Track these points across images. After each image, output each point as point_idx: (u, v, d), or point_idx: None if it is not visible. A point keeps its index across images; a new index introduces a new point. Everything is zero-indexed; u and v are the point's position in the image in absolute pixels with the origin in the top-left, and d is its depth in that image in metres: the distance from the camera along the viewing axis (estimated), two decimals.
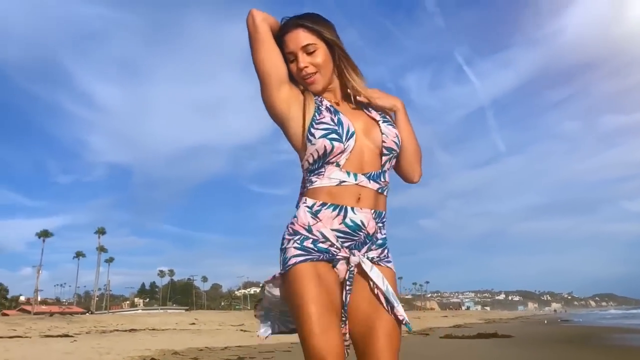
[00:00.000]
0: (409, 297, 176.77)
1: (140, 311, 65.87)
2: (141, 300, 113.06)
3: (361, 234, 1.71)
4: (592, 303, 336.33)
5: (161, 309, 79.43)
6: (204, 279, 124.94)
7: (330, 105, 1.78)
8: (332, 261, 1.68)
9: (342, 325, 1.65)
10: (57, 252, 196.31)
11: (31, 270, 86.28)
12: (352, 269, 1.70)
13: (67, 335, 16.37)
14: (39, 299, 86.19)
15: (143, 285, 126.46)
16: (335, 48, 1.78)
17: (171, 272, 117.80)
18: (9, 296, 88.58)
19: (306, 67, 1.74)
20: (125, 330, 19.07)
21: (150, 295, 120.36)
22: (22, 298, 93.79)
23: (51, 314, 31.95)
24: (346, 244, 1.70)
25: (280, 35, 1.76)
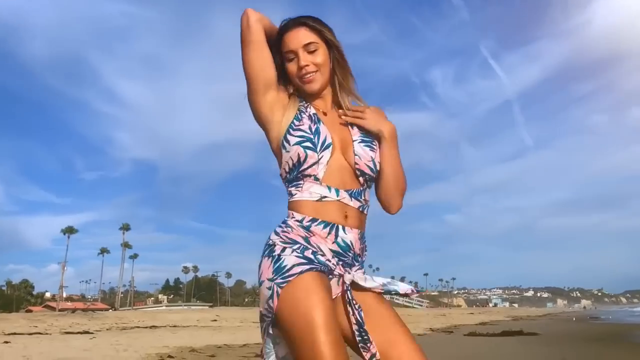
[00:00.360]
0: (435, 293, 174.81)
1: (163, 307, 66.38)
2: (165, 297, 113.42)
3: (350, 254, 1.67)
4: (623, 300, 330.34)
5: (185, 305, 79.87)
6: (228, 275, 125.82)
7: (314, 113, 1.75)
8: (329, 277, 1.62)
9: (369, 345, 1.57)
10: (83, 249, 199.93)
11: (57, 267, 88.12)
12: (348, 287, 1.63)
13: (87, 332, 16.36)
14: (64, 295, 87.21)
15: (167, 281, 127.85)
16: (333, 50, 1.76)
17: (195, 269, 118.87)
18: (34, 292, 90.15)
19: (307, 65, 1.71)
20: (146, 327, 19.08)
21: (174, 291, 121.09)
22: (47, 294, 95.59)
23: (73, 311, 32.28)
24: (340, 263, 1.65)
25: (280, 34, 1.75)
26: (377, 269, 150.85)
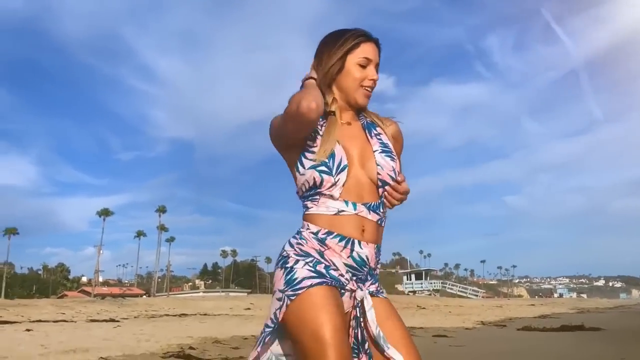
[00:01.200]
0: (494, 282, 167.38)
1: (200, 294, 66.66)
2: (202, 282, 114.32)
3: (365, 269, 1.69)
4: None
5: (222, 291, 79.98)
6: (268, 260, 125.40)
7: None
8: (341, 292, 1.63)
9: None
10: (119, 231, 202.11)
11: (93, 250, 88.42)
12: (358, 303, 1.65)
13: (113, 320, 16.09)
14: (100, 279, 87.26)
15: (205, 266, 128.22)
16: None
17: (234, 253, 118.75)
18: (70, 277, 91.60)
19: (375, 80, 1.78)
20: (175, 315, 18.65)
21: (212, 276, 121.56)
22: (84, 279, 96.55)
23: (103, 297, 32.32)
24: (353, 278, 1.67)
25: (356, 38, 1.76)
26: (429, 254, 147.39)
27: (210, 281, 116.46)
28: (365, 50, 1.76)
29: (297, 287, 1.53)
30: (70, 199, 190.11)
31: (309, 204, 1.71)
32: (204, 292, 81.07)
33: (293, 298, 1.51)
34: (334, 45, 1.76)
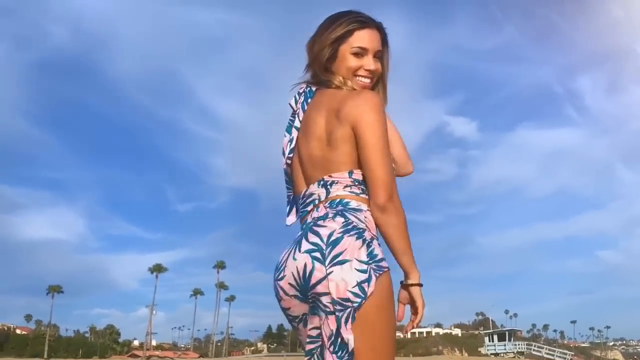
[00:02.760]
0: (586, 345, 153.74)
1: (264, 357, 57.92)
2: (265, 346, 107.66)
3: None
4: None
5: (288, 355, 72.24)
6: None
7: None
8: None
9: None
10: (175, 290, 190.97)
11: (145, 311, 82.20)
12: None
13: None
14: (153, 343, 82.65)
15: (269, 328, 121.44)
16: (385, 66, 1.81)
17: None
18: (120, 340, 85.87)
19: (372, 70, 1.74)
20: None
21: (277, 339, 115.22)
22: (135, 342, 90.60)
23: (148, 358, 24.15)
24: None
25: (352, 23, 1.71)
26: (515, 314, 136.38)
27: (275, 345, 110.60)
28: (360, 38, 1.70)
29: (380, 265, 1.49)
30: (121, 255, 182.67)
31: (363, 188, 1.62)
32: (266, 356, 73.09)
33: (379, 274, 1.47)
34: (326, 31, 1.72)
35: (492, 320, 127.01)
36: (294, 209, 1.78)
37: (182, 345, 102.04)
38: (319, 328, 1.52)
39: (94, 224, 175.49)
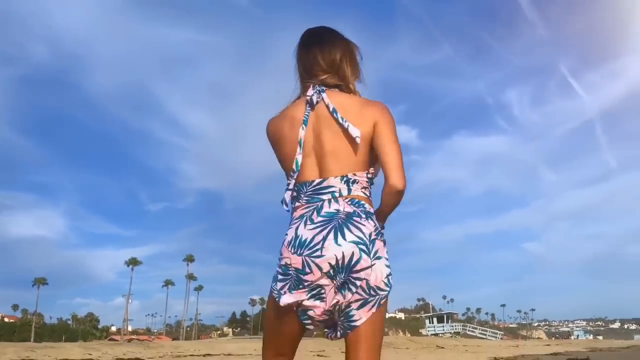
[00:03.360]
0: (514, 325, 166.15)
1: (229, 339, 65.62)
2: (231, 330, 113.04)
3: None
4: None
5: (250, 338, 78.73)
6: None
7: None
8: None
9: None
10: (148, 282, 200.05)
11: (122, 300, 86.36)
12: None
13: (138, 359, 16.15)
14: (129, 328, 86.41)
15: (234, 314, 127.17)
16: None
17: (262, 301, 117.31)
18: (100, 326, 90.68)
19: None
20: (200, 355, 18.74)
21: (241, 324, 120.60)
22: (113, 328, 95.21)
23: (129, 340, 32.34)
24: None
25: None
26: (452, 300, 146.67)
27: (239, 329, 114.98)
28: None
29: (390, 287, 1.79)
30: (99, 251, 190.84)
31: (370, 190, 1.88)
32: (232, 339, 79.44)
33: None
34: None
35: (431, 305, 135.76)
36: (289, 192, 1.85)
37: (155, 331, 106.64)
38: (337, 305, 1.73)
39: (74, 223, 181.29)
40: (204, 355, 18.54)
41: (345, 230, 1.69)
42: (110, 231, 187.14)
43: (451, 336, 67.61)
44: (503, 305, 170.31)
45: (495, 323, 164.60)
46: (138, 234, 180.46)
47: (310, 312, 1.72)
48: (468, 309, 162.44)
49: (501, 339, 77.23)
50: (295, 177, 1.82)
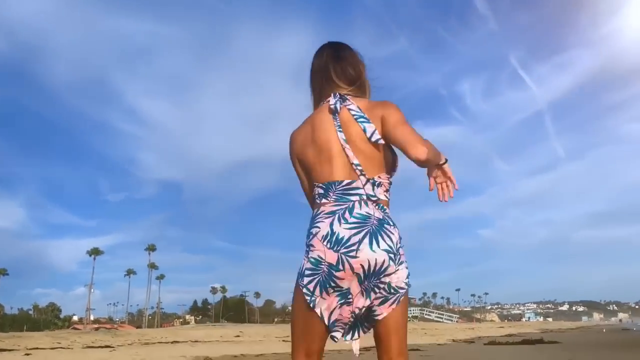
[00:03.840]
0: (468, 309, 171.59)
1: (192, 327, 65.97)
2: (193, 318, 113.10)
3: None
4: None
5: (212, 325, 79.14)
6: (257, 295, 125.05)
7: None
8: None
9: None
10: (110, 271, 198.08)
11: (84, 290, 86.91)
12: None
13: (108, 346, 16.54)
14: (91, 318, 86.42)
15: (195, 302, 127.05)
16: None
17: (223, 289, 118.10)
18: (61, 316, 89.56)
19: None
20: (168, 342, 19.17)
21: (202, 312, 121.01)
22: (75, 318, 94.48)
23: (97, 329, 32.54)
24: None
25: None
26: (409, 284, 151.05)
27: (200, 317, 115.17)
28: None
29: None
30: (60, 241, 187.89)
31: (389, 192, 1.97)
32: (194, 326, 79.81)
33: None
34: (360, 58, 2.11)
35: None
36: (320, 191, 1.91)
37: (117, 319, 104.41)
38: (362, 307, 1.83)
39: (34, 213, 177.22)
40: (172, 342, 19.01)
41: (379, 238, 1.79)
42: (70, 221, 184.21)
43: (409, 320, 70.46)
44: (458, 290, 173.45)
45: (451, 307, 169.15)
46: (99, 223, 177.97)
47: (338, 316, 1.82)
48: (424, 293, 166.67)
49: (457, 322, 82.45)
50: (324, 176, 1.90)
